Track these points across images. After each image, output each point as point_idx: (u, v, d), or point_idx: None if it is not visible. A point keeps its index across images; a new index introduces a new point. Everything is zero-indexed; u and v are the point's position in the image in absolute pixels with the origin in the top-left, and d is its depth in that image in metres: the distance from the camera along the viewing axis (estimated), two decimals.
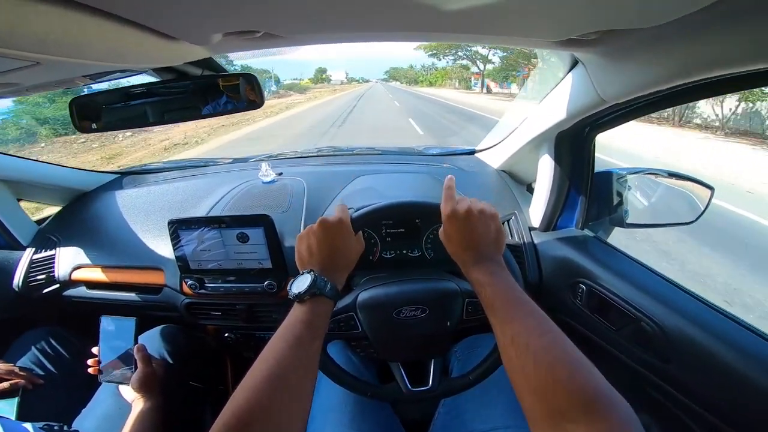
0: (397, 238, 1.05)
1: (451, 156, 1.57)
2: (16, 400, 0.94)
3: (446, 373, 0.95)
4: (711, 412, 0.70)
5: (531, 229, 1.12)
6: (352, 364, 0.95)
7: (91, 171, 1.50)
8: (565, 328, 1.00)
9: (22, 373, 0.99)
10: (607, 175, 1.07)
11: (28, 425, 0.75)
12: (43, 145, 9.76)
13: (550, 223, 1.08)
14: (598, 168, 1.03)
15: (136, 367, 0.89)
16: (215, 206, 1.19)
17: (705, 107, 13.11)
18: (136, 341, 0.94)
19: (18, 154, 1.26)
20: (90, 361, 0.94)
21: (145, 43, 0.49)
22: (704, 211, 1.05)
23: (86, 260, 1.16)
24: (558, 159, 1.02)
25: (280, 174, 1.35)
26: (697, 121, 13.72)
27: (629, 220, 1.08)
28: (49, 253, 1.19)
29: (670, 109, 13.03)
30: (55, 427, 0.80)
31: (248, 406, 0.43)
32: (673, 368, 0.75)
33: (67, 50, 0.42)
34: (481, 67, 45.91)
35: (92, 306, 1.18)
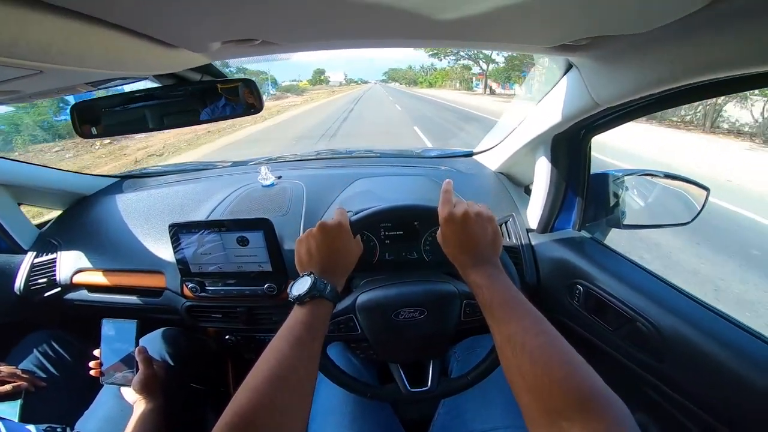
0: (396, 240, 1.06)
1: (450, 158, 1.58)
2: (18, 402, 0.95)
3: (446, 373, 0.95)
4: (706, 411, 0.70)
5: (529, 230, 1.13)
6: (352, 366, 0.96)
7: (92, 175, 1.51)
8: (563, 329, 1.01)
9: (24, 375, 0.99)
10: (603, 177, 1.08)
11: (31, 427, 0.76)
12: (17, 153, 9.61)
13: (547, 224, 1.08)
14: None
15: (137, 370, 0.90)
16: (215, 210, 1.20)
17: (733, 110, 11.59)
18: (137, 344, 0.95)
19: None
20: (92, 364, 0.95)
21: (145, 51, 0.50)
22: (700, 211, 1.05)
23: (87, 264, 1.17)
24: (554, 161, 1.03)
25: (280, 177, 1.36)
26: (725, 125, 12.05)
27: (626, 222, 1.09)
28: (50, 256, 1.20)
29: (698, 112, 12.26)
30: (58, 429, 0.80)
31: (250, 405, 0.44)
32: (668, 368, 0.76)
33: (69, 59, 0.43)
34: (484, 67, 44.79)
35: (93, 309, 1.18)
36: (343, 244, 0.66)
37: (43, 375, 1.05)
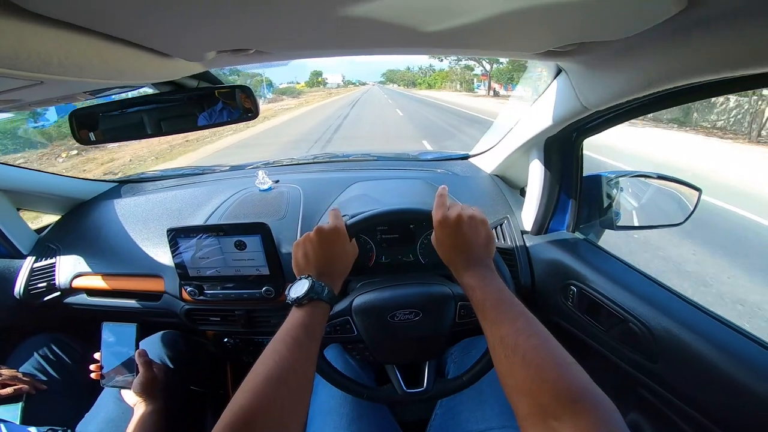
0: (392, 243, 1.07)
1: (446, 161, 1.59)
2: (20, 404, 0.96)
3: (442, 374, 0.96)
4: (698, 411, 0.71)
5: (523, 232, 1.13)
6: (350, 368, 0.96)
7: (90, 180, 1.51)
8: (557, 330, 1.02)
9: (25, 378, 1.00)
10: (596, 179, 1.09)
11: (32, 429, 0.77)
12: None
13: (541, 226, 1.09)
14: None
15: (137, 372, 0.91)
16: (213, 214, 1.21)
17: None
18: (137, 347, 0.96)
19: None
20: (92, 367, 0.96)
21: (142, 61, 0.51)
22: (693, 211, 1.06)
23: (86, 268, 1.18)
24: (547, 163, 1.04)
25: (277, 181, 1.37)
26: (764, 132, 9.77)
27: (619, 223, 1.10)
28: (49, 261, 1.20)
29: (733, 116, 10.96)
30: (59, 431, 0.81)
31: (249, 405, 0.45)
32: (661, 368, 0.76)
33: (68, 70, 0.44)
34: (488, 67, 42.64)
35: (93, 313, 1.19)
36: (339, 247, 0.67)
37: (44, 378, 1.06)
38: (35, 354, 1.11)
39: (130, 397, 0.91)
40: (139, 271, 1.16)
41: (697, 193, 1.06)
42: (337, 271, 0.67)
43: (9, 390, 0.96)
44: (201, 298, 1.08)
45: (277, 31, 0.48)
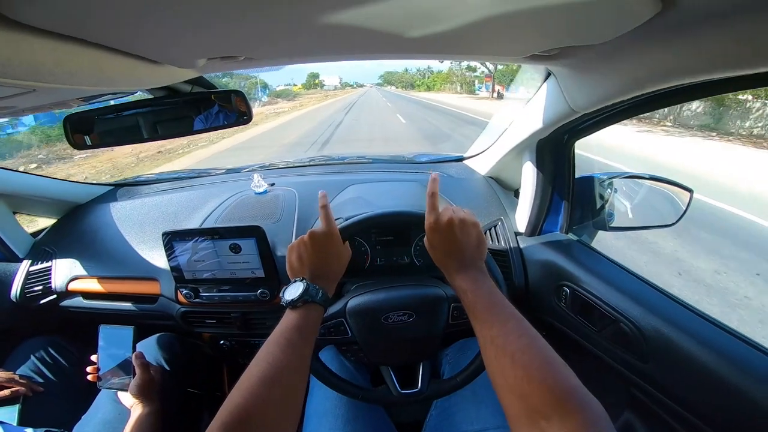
0: (387, 245, 1.08)
1: (440, 163, 1.60)
2: (17, 407, 0.96)
3: (437, 375, 0.97)
4: (688, 410, 0.72)
5: (517, 234, 1.14)
6: (345, 369, 0.97)
7: (85, 183, 1.52)
8: (551, 330, 1.03)
9: (22, 380, 1.01)
10: (588, 180, 1.10)
11: (29, 431, 0.78)
12: None
13: (535, 227, 1.10)
14: None
15: (134, 374, 0.91)
16: (208, 217, 1.21)
17: None
18: (134, 349, 0.96)
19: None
20: (89, 369, 0.97)
21: (134, 68, 0.52)
22: (685, 212, 1.07)
23: (82, 271, 1.18)
24: (540, 165, 1.04)
25: (272, 184, 1.37)
26: None
27: (612, 224, 1.11)
28: (45, 264, 1.21)
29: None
30: None
31: (245, 405, 0.45)
32: (652, 368, 0.77)
33: (60, 78, 0.44)
34: (491, 68, 38.94)
35: (89, 316, 1.20)
36: (333, 250, 0.68)
37: (41, 380, 1.07)
38: (32, 356, 1.11)
39: (126, 399, 0.91)
40: (135, 274, 1.16)
41: (689, 193, 1.07)
42: (331, 273, 0.68)
43: (6, 392, 0.96)
44: (197, 300, 1.08)
45: (265, 38, 0.49)
